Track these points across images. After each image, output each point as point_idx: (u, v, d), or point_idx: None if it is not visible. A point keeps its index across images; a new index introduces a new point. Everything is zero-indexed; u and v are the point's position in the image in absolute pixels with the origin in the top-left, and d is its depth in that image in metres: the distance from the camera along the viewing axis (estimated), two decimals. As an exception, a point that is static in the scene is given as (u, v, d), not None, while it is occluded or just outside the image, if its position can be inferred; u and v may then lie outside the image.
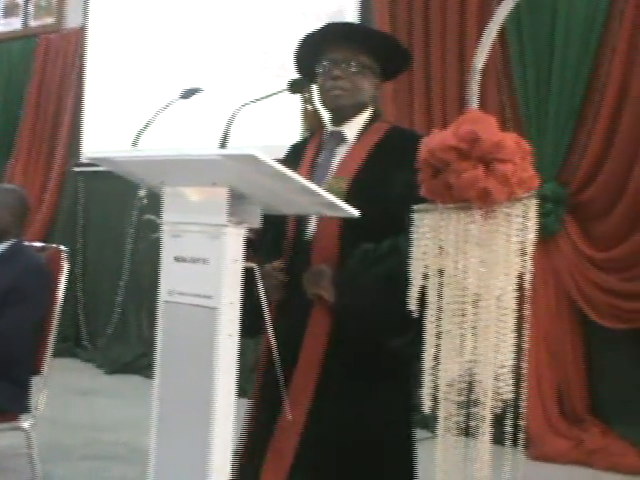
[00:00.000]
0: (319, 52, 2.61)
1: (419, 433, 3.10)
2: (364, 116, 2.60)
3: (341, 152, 2.57)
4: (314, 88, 2.67)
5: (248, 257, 2.47)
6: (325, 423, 2.41)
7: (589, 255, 4.90)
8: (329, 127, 2.64)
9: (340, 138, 2.59)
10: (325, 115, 2.69)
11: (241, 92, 6.16)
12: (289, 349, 2.43)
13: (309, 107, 2.70)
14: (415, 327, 2.30)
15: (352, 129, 2.57)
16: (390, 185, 2.44)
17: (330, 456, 2.42)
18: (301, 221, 2.54)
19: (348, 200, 2.25)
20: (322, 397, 2.41)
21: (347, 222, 2.36)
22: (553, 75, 4.99)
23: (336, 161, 2.56)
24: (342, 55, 2.55)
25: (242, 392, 6.21)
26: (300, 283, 2.47)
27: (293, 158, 2.69)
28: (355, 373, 2.43)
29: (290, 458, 2.41)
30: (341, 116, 2.59)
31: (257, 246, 2.53)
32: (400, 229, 2.29)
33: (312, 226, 2.52)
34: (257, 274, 2.16)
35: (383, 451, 2.47)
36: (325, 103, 2.61)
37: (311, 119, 2.73)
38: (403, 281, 2.27)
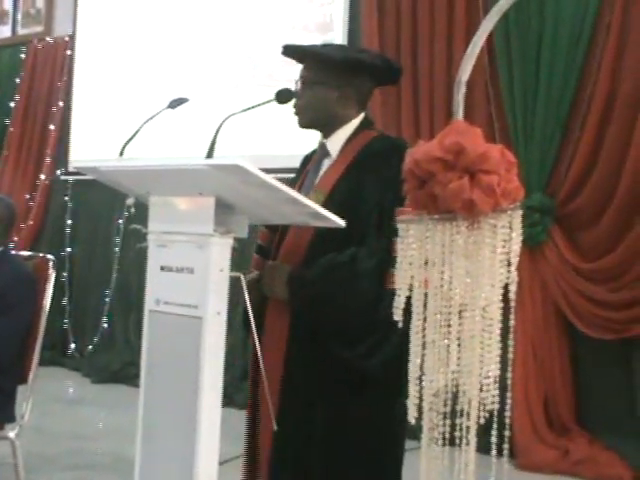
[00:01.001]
0: None
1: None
2: (349, 127, 2.61)
3: (325, 165, 2.61)
4: None
5: (258, 264, 2.52)
6: (292, 426, 2.43)
7: (576, 265, 4.92)
8: (320, 139, 2.67)
9: (326, 151, 2.61)
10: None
11: (229, 102, 6.16)
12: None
13: None
14: (368, 342, 2.35)
15: (336, 143, 2.60)
16: (361, 197, 2.47)
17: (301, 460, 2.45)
18: (283, 230, 2.56)
19: None
20: (286, 400, 2.44)
21: (319, 234, 2.40)
22: (540, 87, 5.01)
23: (320, 174, 2.59)
24: (301, 73, 2.64)
25: (231, 402, 6.20)
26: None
27: (302, 168, 2.74)
28: (314, 376, 2.45)
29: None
30: (322, 131, 2.64)
31: (267, 253, 2.57)
32: (364, 242, 2.35)
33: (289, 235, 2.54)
34: (243, 284, 2.16)
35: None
36: None
37: None
38: (354, 293, 2.32)
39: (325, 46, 2.96)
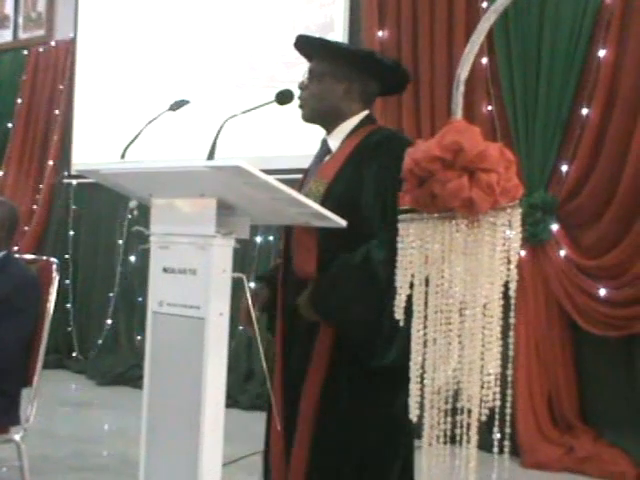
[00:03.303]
0: None
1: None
2: (350, 123, 2.62)
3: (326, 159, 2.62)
4: None
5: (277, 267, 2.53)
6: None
7: (578, 263, 4.92)
8: (324, 136, 2.69)
9: (327, 148, 2.62)
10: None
11: (230, 104, 6.17)
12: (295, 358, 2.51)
13: None
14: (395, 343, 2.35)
15: (336, 138, 2.61)
16: (362, 187, 2.48)
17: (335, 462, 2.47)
18: (289, 231, 2.57)
19: (323, 203, 2.29)
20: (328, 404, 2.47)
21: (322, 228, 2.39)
22: (540, 85, 5.02)
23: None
24: (309, 67, 2.66)
25: (235, 403, 6.21)
26: (292, 291, 2.51)
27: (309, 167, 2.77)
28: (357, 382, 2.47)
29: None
30: (324, 126, 2.65)
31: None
32: (371, 232, 2.35)
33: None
34: (245, 285, 2.17)
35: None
36: None
37: None
38: (375, 293, 2.32)
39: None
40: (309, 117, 2.64)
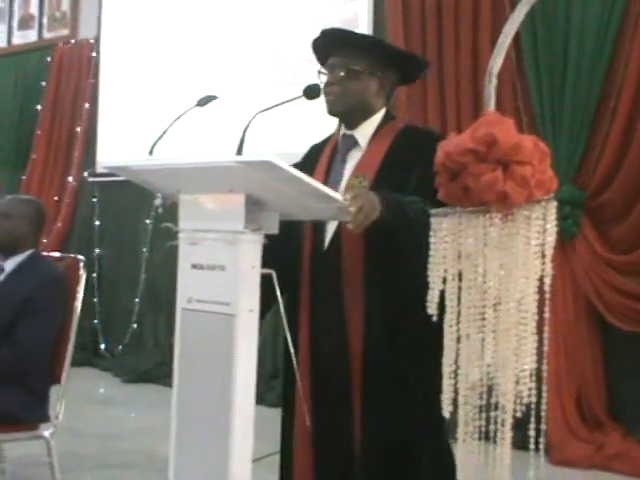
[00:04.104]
0: (324, 58, 2.67)
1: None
2: (376, 118, 2.62)
3: (354, 156, 2.60)
4: None
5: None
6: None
7: (607, 258, 4.88)
8: (342, 130, 2.66)
9: (352, 142, 2.60)
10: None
11: (256, 99, 6.16)
12: (324, 359, 2.49)
13: None
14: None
15: (364, 133, 2.60)
16: (407, 182, 2.45)
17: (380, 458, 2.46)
18: (317, 231, 2.54)
19: None
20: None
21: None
22: (568, 78, 4.97)
23: (350, 164, 2.58)
24: (334, 61, 2.60)
25: (261, 400, 6.24)
26: (326, 295, 2.49)
27: (310, 160, 2.71)
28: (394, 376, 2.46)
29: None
30: (350, 121, 2.62)
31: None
32: None
33: (329, 235, 2.52)
34: (274, 281, 2.15)
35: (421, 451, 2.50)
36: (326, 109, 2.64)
37: None
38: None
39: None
40: (338, 111, 2.61)
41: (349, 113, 2.60)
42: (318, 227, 2.56)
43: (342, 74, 2.57)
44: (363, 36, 2.74)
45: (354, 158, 2.59)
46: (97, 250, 7.87)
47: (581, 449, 4.76)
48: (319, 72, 2.62)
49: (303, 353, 2.55)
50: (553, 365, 4.88)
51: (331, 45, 2.65)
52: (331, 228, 2.53)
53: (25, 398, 3.36)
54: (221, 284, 2.11)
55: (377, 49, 2.64)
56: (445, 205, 2.11)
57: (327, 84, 2.57)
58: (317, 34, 2.72)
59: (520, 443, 1.86)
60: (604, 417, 4.94)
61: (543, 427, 1.72)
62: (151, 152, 2.44)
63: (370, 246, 2.44)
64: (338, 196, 2.12)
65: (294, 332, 2.44)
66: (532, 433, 1.68)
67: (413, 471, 2.49)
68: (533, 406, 1.70)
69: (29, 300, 3.41)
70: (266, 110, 2.41)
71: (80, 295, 3.56)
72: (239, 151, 2.35)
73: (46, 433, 3.38)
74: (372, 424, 2.46)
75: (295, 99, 2.56)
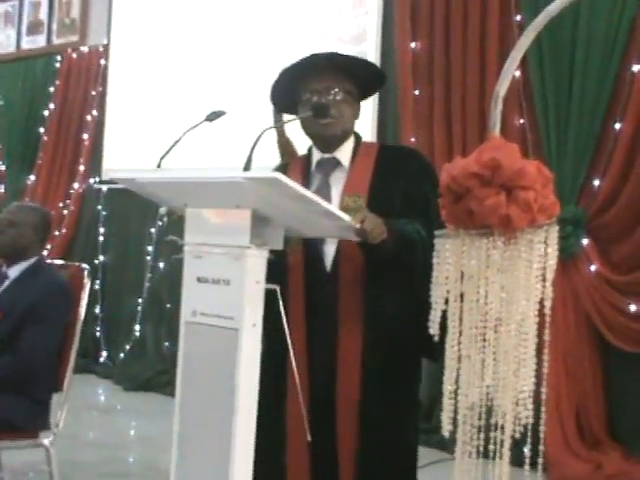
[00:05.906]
0: (298, 84, 2.66)
1: (437, 454, 3.07)
2: (351, 141, 2.67)
3: (338, 176, 2.61)
4: (285, 118, 2.78)
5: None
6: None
7: (609, 278, 4.89)
8: (317, 155, 2.67)
9: (334, 164, 2.62)
10: (298, 144, 2.79)
11: (261, 114, 6.18)
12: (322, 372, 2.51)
13: (283, 137, 2.85)
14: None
15: (345, 154, 2.63)
16: (393, 197, 2.53)
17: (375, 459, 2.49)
18: (315, 249, 2.54)
19: None
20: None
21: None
22: (573, 98, 4.99)
23: (336, 186, 2.59)
24: (326, 84, 2.60)
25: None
26: (328, 312, 2.50)
27: None
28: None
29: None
30: (331, 144, 2.63)
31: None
32: None
33: (330, 254, 2.52)
34: (279, 296, 2.17)
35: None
36: (312, 132, 2.65)
37: (284, 148, 2.86)
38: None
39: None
40: (339, 136, 2.62)
41: (344, 137, 2.63)
42: (311, 244, 2.54)
43: (339, 98, 2.59)
44: (349, 57, 2.73)
45: (339, 178, 2.60)
46: (101, 257, 7.90)
47: (580, 468, 4.76)
48: (306, 96, 2.62)
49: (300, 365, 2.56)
50: (553, 384, 4.88)
51: (317, 69, 2.62)
52: (330, 248, 2.54)
53: (27, 406, 3.37)
54: (225, 298, 2.13)
55: (364, 71, 2.69)
56: (432, 222, 2.17)
57: (324, 107, 2.56)
58: (327, 49, 2.73)
59: (519, 460, 1.87)
60: (603, 436, 4.94)
61: (542, 448, 1.74)
62: (159, 165, 2.46)
63: (371, 267, 2.46)
64: (343, 214, 2.15)
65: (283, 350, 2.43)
66: (528, 454, 1.70)
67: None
68: (531, 427, 1.72)
69: (33, 308, 3.42)
70: (274, 127, 2.43)
71: (84, 303, 3.58)
72: (247, 167, 2.37)
73: (46, 441, 3.39)
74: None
75: (304, 117, 2.58)
